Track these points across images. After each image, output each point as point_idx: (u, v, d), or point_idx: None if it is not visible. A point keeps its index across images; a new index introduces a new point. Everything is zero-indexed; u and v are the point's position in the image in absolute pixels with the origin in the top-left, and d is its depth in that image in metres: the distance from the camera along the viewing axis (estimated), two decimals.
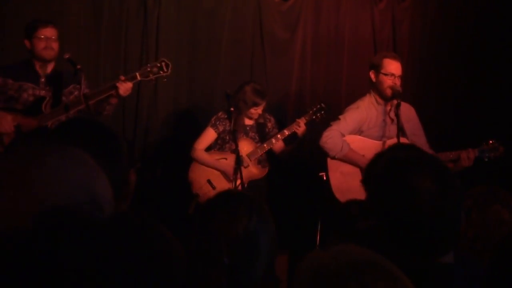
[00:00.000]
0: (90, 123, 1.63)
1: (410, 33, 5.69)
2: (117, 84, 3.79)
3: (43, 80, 3.99)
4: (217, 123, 4.40)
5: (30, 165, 0.86)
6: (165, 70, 3.92)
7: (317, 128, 4.49)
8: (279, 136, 4.42)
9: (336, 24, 5.50)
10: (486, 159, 4.15)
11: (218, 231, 1.44)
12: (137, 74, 3.89)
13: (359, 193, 3.76)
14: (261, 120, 4.52)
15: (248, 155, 4.41)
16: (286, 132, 4.41)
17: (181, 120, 5.08)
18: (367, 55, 5.49)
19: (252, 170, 4.43)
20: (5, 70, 3.96)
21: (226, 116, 4.38)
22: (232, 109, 4.16)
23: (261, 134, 4.53)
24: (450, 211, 1.49)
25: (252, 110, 4.35)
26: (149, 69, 3.92)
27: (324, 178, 4.25)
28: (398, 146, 2.61)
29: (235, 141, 4.09)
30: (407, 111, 4.28)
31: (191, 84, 5.15)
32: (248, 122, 4.48)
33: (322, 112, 4.51)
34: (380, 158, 2.03)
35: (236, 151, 4.08)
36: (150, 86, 4.89)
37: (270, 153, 4.52)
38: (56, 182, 0.85)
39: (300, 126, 4.38)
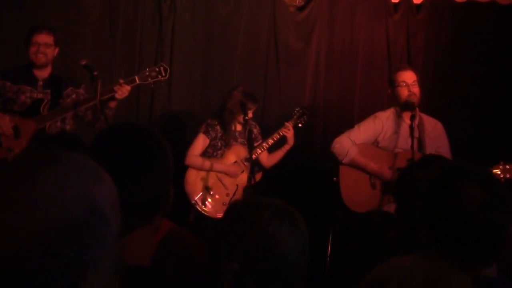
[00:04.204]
0: (137, 128, 1.58)
1: (424, 45, 5.64)
2: (115, 88, 3.86)
3: (40, 83, 4.06)
4: (209, 129, 4.36)
5: (23, 183, 0.85)
6: (163, 74, 4.01)
7: (329, 136, 4.53)
8: (270, 140, 4.45)
9: (350, 35, 5.48)
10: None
11: (230, 236, 1.40)
12: (136, 77, 3.97)
13: (367, 201, 4.16)
14: (248, 126, 4.47)
15: (243, 161, 4.42)
16: (276, 136, 4.46)
17: (196, 129, 4.90)
18: (381, 67, 5.53)
19: (246, 177, 4.38)
20: (4, 73, 4.05)
21: (216, 123, 4.36)
22: (247, 117, 4.19)
23: (249, 139, 4.45)
24: (496, 223, 1.49)
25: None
26: (147, 73, 3.99)
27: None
28: (427, 158, 2.59)
29: (251, 148, 4.11)
30: (432, 126, 4.29)
31: (205, 92, 5.17)
32: (237, 128, 4.46)
33: (305, 116, 4.57)
34: (416, 169, 2.04)
35: (250, 160, 4.06)
36: (164, 94, 4.93)
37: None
38: (51, 198, 0.84)
39: (289, 130, 4.42)
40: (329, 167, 4.53)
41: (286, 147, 4.50)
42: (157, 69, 3.99)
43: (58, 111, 3.95)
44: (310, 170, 5.16)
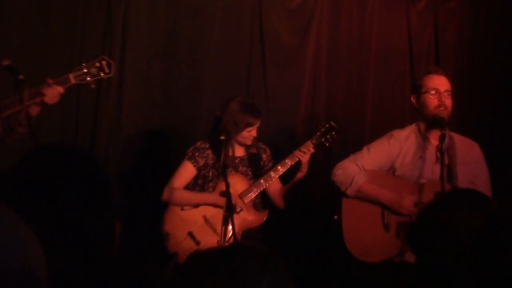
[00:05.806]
0: (70, 153, 1.47)
1: (457, 41, 5.34)
2: (43, 90, 3.29)
3: None
4: (196, 155, 3.80)
5: None
6: (107, 71, 3.49)
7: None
8: (279, 168, 3.85)
9: (361, 27, 5.11)
10: None
11: None
12: (70, 76, 3.39)
13: (378, 247, 3.82)
14: (254, 151, 3.96)
15: (240, 196, 3.82)
16: (289, 162, 3.87)
17: (153, 149, 4.61)
18: (401, 69, 5.25)
19: (246, 217, 3.87)
20: None
21: (207, 146, 3.84)
22: (223, 137, 3.63)
23: (255, 168, 3.97)
24: None
25: (245, 133, 3.78)
26: (85, 69, 3.44)
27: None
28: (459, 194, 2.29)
29: (226, 179, 3.48)
30: (466, 150, 3.84)
31: (167, 102, 4.66)
32: (238, 153, 3.90)
33: (333, 133, 4.01)
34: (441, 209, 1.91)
35: (227, 194, 3.44)
36: (112, 105, 4.42)
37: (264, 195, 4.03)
38: None
39: (305, 153, 3.86)
40: (330, 200, 4.05)
41: (298, 176, 3.93)
42: (97, 64, 3.48)
43: None
44: (307, 205, 4.71)
